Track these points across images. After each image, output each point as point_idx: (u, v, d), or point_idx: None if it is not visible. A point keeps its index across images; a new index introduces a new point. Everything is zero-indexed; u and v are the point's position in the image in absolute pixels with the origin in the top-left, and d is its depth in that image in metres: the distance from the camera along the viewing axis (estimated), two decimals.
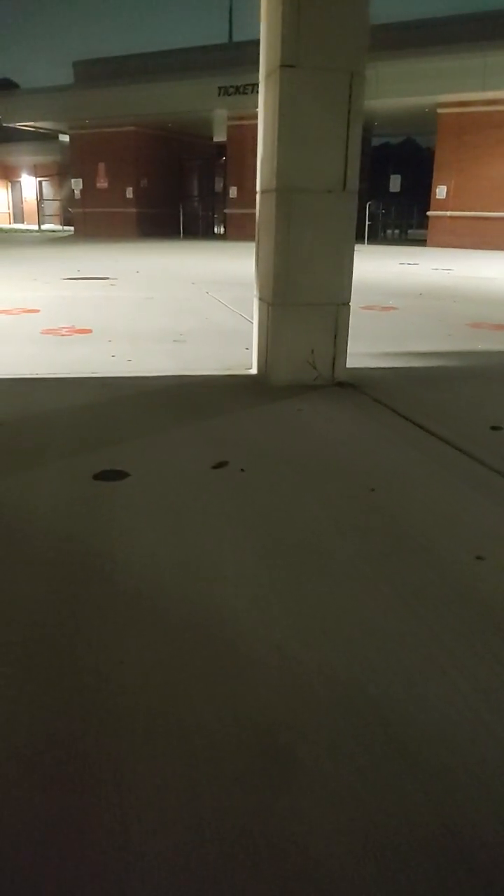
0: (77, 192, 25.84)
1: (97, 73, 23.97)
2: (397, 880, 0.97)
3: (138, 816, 1.06)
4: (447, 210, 19.37)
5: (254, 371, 4.02)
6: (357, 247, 3.75)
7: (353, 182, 3.57)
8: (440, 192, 19.47)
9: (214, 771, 1.15)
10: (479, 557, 1.89)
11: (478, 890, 0.96)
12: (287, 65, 3.35)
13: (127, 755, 1.18)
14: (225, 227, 24.24)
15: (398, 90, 17.35)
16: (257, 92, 3.82)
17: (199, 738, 1.23)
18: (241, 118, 20.61)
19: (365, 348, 4.58)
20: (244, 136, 20.37)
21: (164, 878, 0.97)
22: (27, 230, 31.61)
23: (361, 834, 1.04)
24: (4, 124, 25.51)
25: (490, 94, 17.47)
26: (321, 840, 1.03)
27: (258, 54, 3.70)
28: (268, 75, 3.58)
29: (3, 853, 1.01)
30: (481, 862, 1.00)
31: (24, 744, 1.21)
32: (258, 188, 3.84)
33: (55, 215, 35.78)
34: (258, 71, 3.72)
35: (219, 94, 20.39)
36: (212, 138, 26.89)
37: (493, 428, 3.04)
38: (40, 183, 36.64)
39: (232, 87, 19.93)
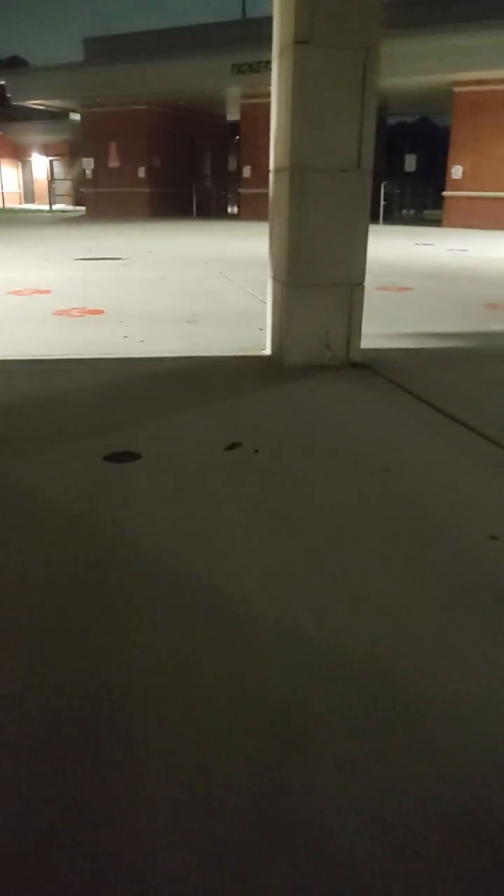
0: (88, 172, 25.69)
1: (108, 50, 23.69)
2: (409, 858, 0.97)
3: (149, 797, 1.07)
4: (463, 190, 19.14)
5: (267, 352, 4.00)
6: (372, 227, 3.72)
7: (368, 161, 3.52)
8: (456, 171, 19.24)
9: (227, 751, 1.16)
10: (493, 537, 1.88)
11: (490, 869, 0.96)
12: (301, 41, 3.30)
13: (139, 737, 1.19)
14: (238, 207, 24.08)
15: (413, 68, 17.08)
16: (271, 69, 3.76)
17: (211, 719, 1.23)
18: (255, 96, 20.39)
19: (379, 329, 4.54)
20: (258, 114, 20.15)
21: (176, 856, 0.98)
22: (38, 210, 31.54)
23: (374, 812, 1.04)
24: (14, 102, 25.34)
25: None
26: (334, 819, 1.03)
27: (272, 31, 3.65)
28: (281, 52, 3.53)
29: (14, 837, 1.02)
30: (495, 841, 1.00)
31: (37, 726, 1.22)
32: (271, 167, 3.79)
33: (66, 195, 35.66)
34: (272, 48, 3.66)
35: (232, 72, 20.14)
36: (225, 117, 26.67)
37: None
38: (51, 162, 36.49)
39: (245, 64, 19.66)
